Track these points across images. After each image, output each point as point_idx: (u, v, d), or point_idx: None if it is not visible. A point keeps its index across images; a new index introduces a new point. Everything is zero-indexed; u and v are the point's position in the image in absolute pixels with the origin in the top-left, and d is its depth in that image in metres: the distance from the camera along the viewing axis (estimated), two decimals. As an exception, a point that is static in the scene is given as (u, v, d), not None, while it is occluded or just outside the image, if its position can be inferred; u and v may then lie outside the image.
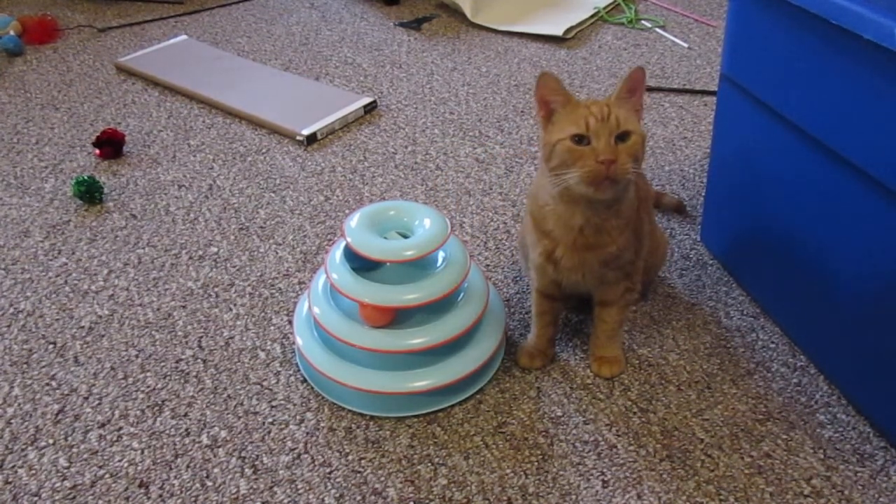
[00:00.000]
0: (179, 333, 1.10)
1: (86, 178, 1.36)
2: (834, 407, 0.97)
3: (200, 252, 1.26)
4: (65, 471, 0.91)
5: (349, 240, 0.96)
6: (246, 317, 1.13)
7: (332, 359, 0.97)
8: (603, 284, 0.96)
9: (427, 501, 0.87)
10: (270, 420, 0.97)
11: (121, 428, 0.96)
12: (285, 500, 0.87)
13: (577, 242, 0.91)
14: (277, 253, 1.25)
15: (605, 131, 0.82)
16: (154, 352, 1.07)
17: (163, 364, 1.05)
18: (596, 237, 0.90)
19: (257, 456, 0.92)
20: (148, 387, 1.02)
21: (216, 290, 1.18)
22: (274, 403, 0.99)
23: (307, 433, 0.95)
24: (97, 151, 1.50)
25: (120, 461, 0.92)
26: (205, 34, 2.06)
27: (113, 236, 1.30)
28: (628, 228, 0.92)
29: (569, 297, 1.03)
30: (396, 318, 0.96)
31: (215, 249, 1.26)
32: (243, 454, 0.92)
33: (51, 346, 1.08)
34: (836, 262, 0.93)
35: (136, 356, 1.06)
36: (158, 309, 1.14)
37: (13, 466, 0.91)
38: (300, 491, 0.88)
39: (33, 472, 0.91)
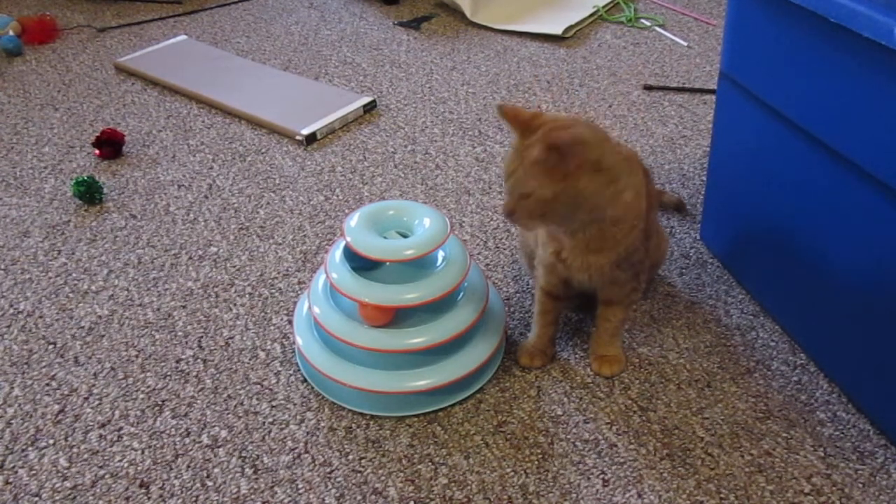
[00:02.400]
0: (179, 333, 1.10)
1: (85, 178, 1.36)
2: (834, 405, 0.97)
3: (200, 252, 1.26)
4: (65, 471, 0.91)
5: (349, 239, 0.96)
6: (246, 317, 1.13)
7: (333, 358, 0.97)
8: (612, 284, 0.96)
9: (427, 501, 0.87)
10: (271, 420, 0.97)
11: (121, 428, 0.96)
12: (286, 500, 0.87)
13: (579, 247, 0.91)
14: (277, 253, 1.25)
15: (508, 188, 0.86)
16: (154, 352, 1.07)
17: (163, 364, 1.05)
18: (598, 243, 0.90)
19: (258, 456, 0.92)
20: (148, 387, 1.02)
21: (216, 290, 1.18)
22: (274, 403, 0.99)
23: (307, 433, 0.95)
24: (97, 151, 1.50)
25: (120, 461, 0.92)
26: (204, 34, 2.06)
27: (113, 236, 1.30)
28: (636, 230, 0.91)
29: (574, 296, 1.03)
30: (396, 317, 0.96)
31: (215, 249, 1.26)
32: (244, 454, 0.92)
33: (51, 347, 1.08)
34: (836, 260, 0.93)
35: (137, 356, 1.06)
36: (158, 309, 1.14)
37: (13, 467, 0.91)
38: (300, 491, 0.88)
39: (34, 472, 0.91)
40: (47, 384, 1.02)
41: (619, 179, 0.86)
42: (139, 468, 0.91)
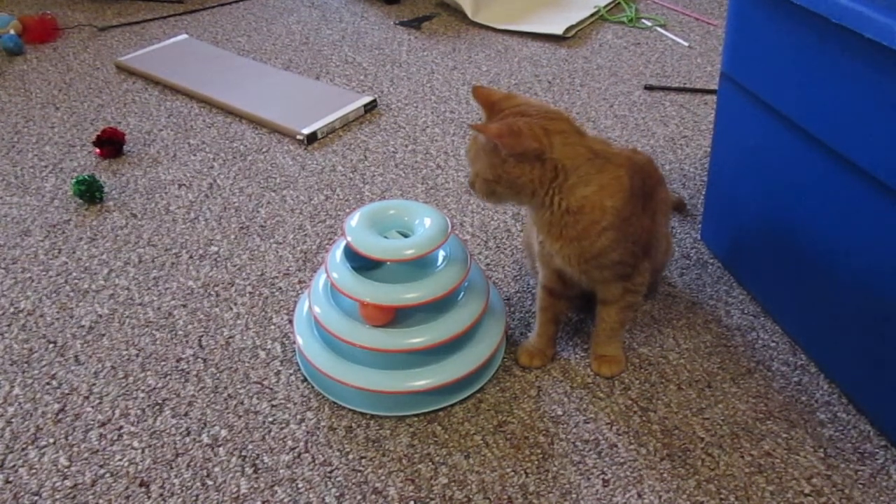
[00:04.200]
0: (180, 333, 1.10)
1: (86, 177, 1.36)
2: (834, 406, 0.97)
3: (201, 251, 1.26)
4: (65, 470, 0.91)
5: (349, 239, 0.96)
6: (246, 316, 1.13)
7: (333, 358, 0.97)
8: (596, 282, 0.96)
9: (427, 500, 0.87)
10: (271, 419, 0.97)
11: (121, 427, 0.96)
12: (286, 500, 0.87)
13: (545, 229, 0.93)
14: (278, 252, 1.25)
15: (469, 164, 0.95)
16: (154, 351, 1.07)
17: (163, 363, 1.05)
18: (558, 230, 0.91)
19: (258, 455, 0.92)
20: (148, 386, 1.02)
21: (216, 289, 1.18)
22: (274, 402, 0.99)
23: (308, 432, 0.95)
24: (97, 150, 1.50)
25: (120, 460, 0.92)
26: (205, 33, 2.06)
27: (113, 235, 1.30)
28: (599, 228, 0.90)
29: (573, 296, 1.03)
30: (397, 317, 0.96)
31: (216, 248, 1.26)
32: (244, 453, 0.92)
33: (51, 346, 1.08)
34: (837, 261, 0.93)
35: (137, 355, 1.06)
36: (159, 308, 1.14)
37: (14, 466, 0.91)
38: (301, 490, 0.88)
39: (34, 471, 0.91)
40: (48, 383, 1.02)
41: (571, 172, 0.88)
42: (139, 467, 0.91)
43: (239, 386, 1.01)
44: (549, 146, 0.87)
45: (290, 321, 1.11)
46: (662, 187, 1.01)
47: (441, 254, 1.01)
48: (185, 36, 2.00)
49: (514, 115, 0.89)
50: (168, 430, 0.95)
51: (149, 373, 1.04)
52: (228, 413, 0.97)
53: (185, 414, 0.98)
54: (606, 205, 0.89)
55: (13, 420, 0.97)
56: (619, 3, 2.17)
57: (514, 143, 0.86)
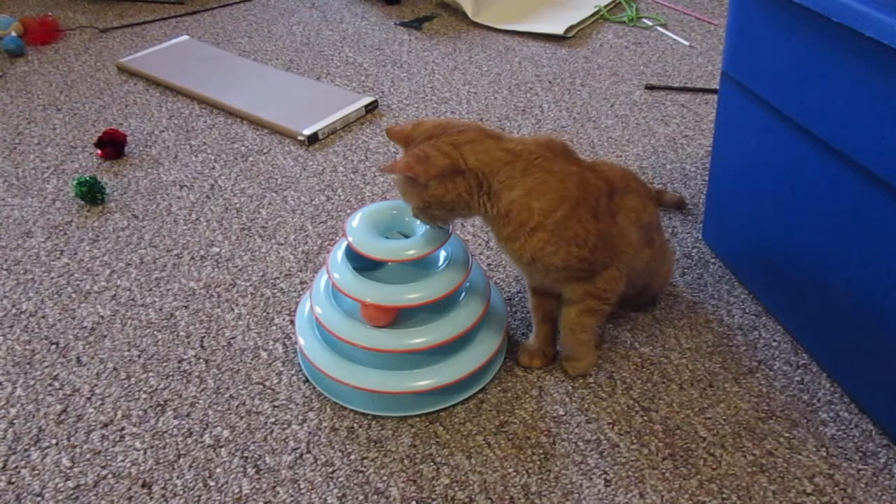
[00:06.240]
0: (181, 334, 1.10)
1: (87, 178, 1.36)
2: (836, 405, 0.97)
3: (202, 252, 1.26)
4: (68, 471, 0.91)
5: (351, 239, 0.96)
6: (248, 317, 1.13)
7: (334, 358, 0.97)
8: (555, 283, 0.96)
9: (429, 501, 0.87)
10: (273, 420, 0.97)
11: (123, 428, 0.96)
12: (287, 500, 0.87)
13: (493, 233, 0.95)
14: (279, 253, 1.25)
15: None
16: (156, 352, 1.07)
17: (165, 364, 1.05)
18: (498, 231, 0.93)
19: (260, 456, 0.92)
20: (150, 387, 1.02)
21: (218, 290, 1.18)
22: (276, 403, 0.99)
23: (309, 433, 0.95)
24: (99, 152, 1.50)
25: (122, 461, 0.92)
26: (206, 34, 2.06)
27: (115, 237, 1.30)
28: (527, 229, 0.90)
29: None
30: (398, 317, 0.96)
31: (217, 249, 1.26)
32: (246, 454, 0.92)
33: (53, 347, 1.08)
34: (838, 260, 0.93)
35: (139, 356, 1.06)
36: (160, 309, 1.14)
37: (16, 467, 0.92)
38: (302, 491, 0.88)
39: (36, 472, 0.91)
40: (50, 384, 1.02)
41: (492, 178, 0.89)
42: (141, 468, 0.91)
43: (241, 387, 1.01)
44: (461, 158, 0.88)
45: (292, 322, 1.11)
46: (632, 195, 0.97)
47: (442, 254, 1.02)
48: (186, 37, 2.00)
49: (422, 141, 0.91)
50: (170, 431, 0.95)
51: (151, 374, 1.04)
52: (230, 414, 0.98)
53: (187, 415, 0.98)
54: (533, 206, 0.89)
55: (15, 421, 0.97)
56: (619, 2, 2.17)
57: (424, 169, 0.87)
